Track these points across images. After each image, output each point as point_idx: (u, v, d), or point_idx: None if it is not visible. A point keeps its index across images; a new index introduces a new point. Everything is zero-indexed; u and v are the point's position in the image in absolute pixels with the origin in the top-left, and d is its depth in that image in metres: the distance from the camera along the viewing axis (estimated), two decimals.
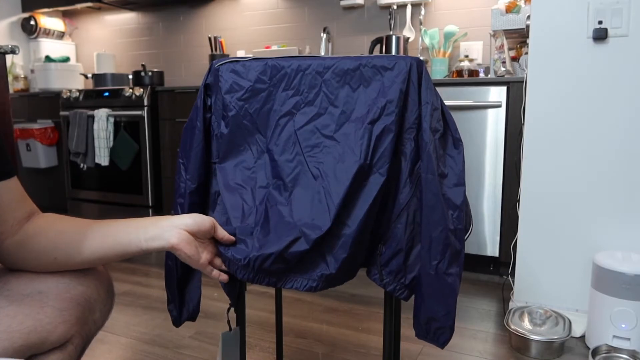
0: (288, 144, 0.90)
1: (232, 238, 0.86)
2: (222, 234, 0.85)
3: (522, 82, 2.02)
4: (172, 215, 0.83)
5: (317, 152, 0.88)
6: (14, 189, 0.76)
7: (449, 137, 0.92)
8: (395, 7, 2.91)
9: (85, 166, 3.14)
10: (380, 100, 0.86)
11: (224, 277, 0.87)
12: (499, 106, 2.16)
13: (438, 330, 0.88)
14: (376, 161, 0.85)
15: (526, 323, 1.64)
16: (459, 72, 2.50)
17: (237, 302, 1.02)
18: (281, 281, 0.86)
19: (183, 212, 0.94)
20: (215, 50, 3.38)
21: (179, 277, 0.97)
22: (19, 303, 0.69)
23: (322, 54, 3.06)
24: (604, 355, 1.47)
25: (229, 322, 1.02)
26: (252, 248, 0.84)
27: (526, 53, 2.29)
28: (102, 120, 3.00)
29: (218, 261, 0.87)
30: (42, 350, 0.70)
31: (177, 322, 1.00)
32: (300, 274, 0.85)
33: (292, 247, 0.83)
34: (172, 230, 0.76)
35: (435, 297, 0.86)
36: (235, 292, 1.00)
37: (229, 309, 1.01)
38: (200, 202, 0.96)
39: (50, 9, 3.76)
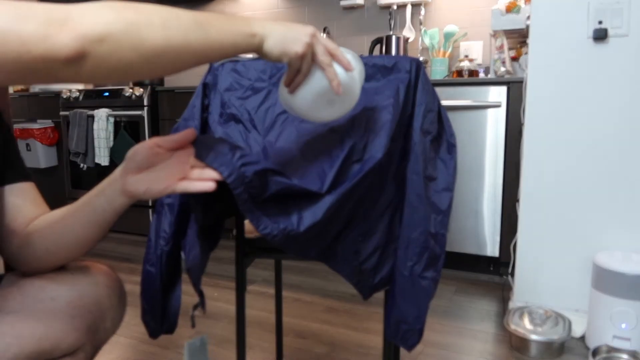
0: (286, 138, 0.90)
1: (189, 134, 0.73)
2: (173, 139, 0.72)
3: (522, 82, 2.02)
4: (162, 219, 0.81)
5: (315, 144, 0.88)
6: (29, 192, 0.78)
7: (444, 142, 0.91)
8: (395, 7, 2.91)
9: (85, 166, 3.13)
10: (380, 93, 0.86)
11: (209, 185, 0.69)
12: (499, 106, 2.16)
13: (407, 333, 0.87)
14: (370, 141, 0.84)
15: (526, 323, 1.64)
16: (459, 72, 2.49)
17: (236, 296, 1.00)
18: (247, 205, 0.74)
19: (172, 214, 0.91)
20: None
21: (161, 283, 0.92)
22: (32, 309, 0.70)
23: None
24: (604, 355, 1.47)
25: (192, 318, 0.94)
26: (237, 156, 0.74)
27: (526, 53, 2.29)
28: (102, 120, 3.00)
29: (196, 172, 0.71)
30: (53, 357, 0.71)
31: (155, 334, 0.94)
32: (268, 215, 0.77)
33: (275, 175, 0.75)
34: (119, 180, 0.71)
35: (407, 299, 0.85)
36: (200, 272, 0.89)
37: (195, 307, 0.93)
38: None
39: None
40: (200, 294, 0.93)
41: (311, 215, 0.79)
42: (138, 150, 0.71)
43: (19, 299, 0.71)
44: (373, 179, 0.84)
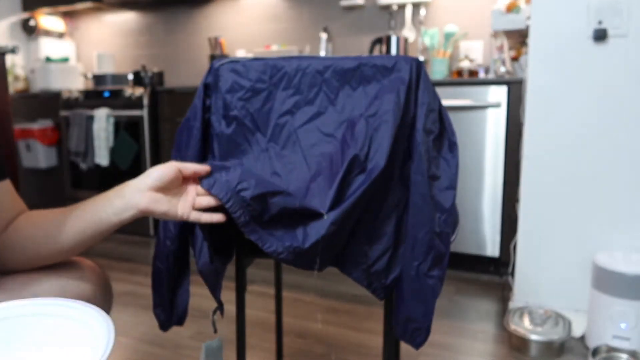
0: (288, 143, 0.90)
1: (207, 167, 0.80)
2: (194, 167, 0.78)
3: (522, 82, 2.02)
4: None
5: (317, 149, 0.88)
6: (5, 191, 0.76)
7: (445, 140, 0.91)
8: (395, 7, 2.91)
9: (85, 166, 3.13)
10: (380, 97, 0.86)
11: (218, 217, 0.77)
12: (499, 106, 2.16)
13: (415, 331, 0.88)
14: (374, 150, 0.84)
15: (526, 323, 1.64)
16: (459, 72, 2.50)
17: (237, 297, 1.01)
18: (249, 227, 0.79)
19: None
20: (215, 50, 3.38)
21: (169, 279, 0.94)
22: None
23: (322, 54, 3.06)
24: (604, 355, 1.47)
25: (214, 323, 0.97)
26: (236, 175, 0.80)
27: (526, 53, 2.29)
28: (102, 120, 3.00)
29: (204, 200, 0.78)
30: None
31: (164, 327, 0.97)
32: (273, 234, 0.80)
33: (276, 196, 0.79)
34: (136, 195, 0.73)
35: (415, 298, 0.86)
36: (215, 279, 0.92)
37: (214, 311, 0.95)
38: None
39: (50, 9, 3.76)
40: (219, 302, 0.94)
41: (315, 231, 0.80)
42: (166, 172, 0.74)
43: (1, 297, 0.70)
44: (378, 185, 0.85)
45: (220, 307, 0.94)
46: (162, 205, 0.74)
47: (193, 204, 0.77)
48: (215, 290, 0.91)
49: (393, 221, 0.87)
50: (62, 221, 0.74)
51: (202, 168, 0.79)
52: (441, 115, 0.91)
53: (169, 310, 0.97)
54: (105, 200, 0.74)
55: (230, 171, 0.80)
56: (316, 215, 0.81)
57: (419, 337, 0.88)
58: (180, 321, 0.98)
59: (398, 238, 0.88)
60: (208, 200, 0.78)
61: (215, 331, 0.95)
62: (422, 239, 0.84)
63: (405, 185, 0.87)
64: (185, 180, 0.79)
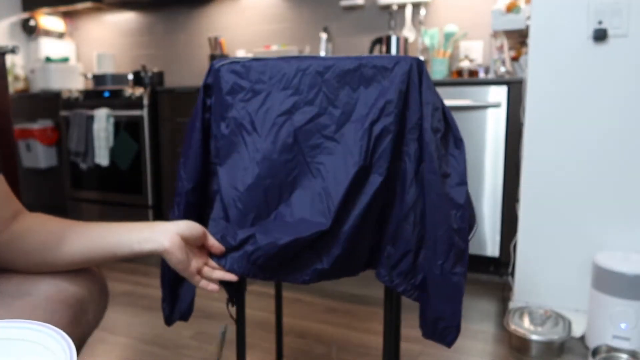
0: (287, 144, 0.89)
1: (222, 248, 0.87)
2: (213, 242, 0.86)
3: (522, 82, 2.02)
4: (170, 215, 0.84)
5: (317, 153, 0.88)
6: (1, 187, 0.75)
7: (451, 137, 0.92)
8: (395, 7, 2.91)
9: (85, 166, 3.13)
10: (380, 101, 0.86)
11: (213, 287, 0.85)
12: (499, 106, 2.16)
13: (445, 330, 0.89)
14: (375, 162, 0.85)
15: (526, 323, 1.64)
16: (459, 72, 2.50)
17: (237, 296, 1.01)
18: (275, 276, 0.87)
19: (179, 211, 0.94)
20: (215, 50, 3.38)
21: (173, 276, 0.97)
22: (9, 306, 0.68)
23: (322, 54, 3.06)
24: (604, 355, 1.47)
25: (232, 315, 1.02)
26: (249, 243, 0.86)
27: (526, 53, 2.29)
28: (102, 120, 3.00)
29: (207, 270, 0.86)
30: None
31: (168, 321, 1.00)
32: (294, 269, 0.87)
33: (288, 247, 0.84)
34: (165, 234, 0.77)
35: (442, 297, 0.86)
36: (233, 287, 0.98)
37: (228, 303, 1.00)
38: (197, 203, 0.96)
39: (50, 9, 3.76)
40: (233, 294, 1.01)
41: (333, 251, 0.84)
42: (195, 227, 0.81)
43: None
44: (387, 191, 0.85)
45: (231, 298, 1.00)
46: (181, 254, 0.78)
47: (201, 269, 0.84)
48: (232, 293, 0.98)
49: (410, 222, 0.88)
50: (80, 235, 0.75)
51: (218, 248, 0.87)
52: (444, 112, 0.92)
53: (173, 305, 0.99)
54: (132, 227, 0.77)
55: (240, 248, 0.86)
56: (328, 235, 0.84)
57: (449, 336, 0.89)
58: (184, 316, 1.00)
59: (419, 238, 0.88)
60: (222, 275, 0.86)
61: (236, 321, 1.02)
62: (442, 237, 0.85)
63: (420, 186, 0.88)
64: (203, 246, 0.86)
